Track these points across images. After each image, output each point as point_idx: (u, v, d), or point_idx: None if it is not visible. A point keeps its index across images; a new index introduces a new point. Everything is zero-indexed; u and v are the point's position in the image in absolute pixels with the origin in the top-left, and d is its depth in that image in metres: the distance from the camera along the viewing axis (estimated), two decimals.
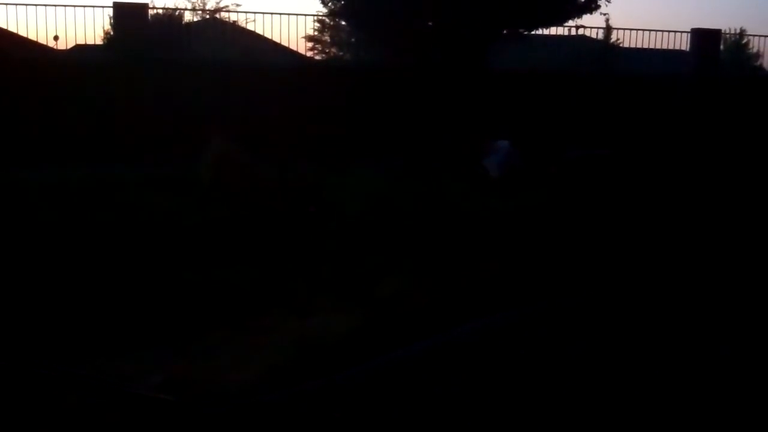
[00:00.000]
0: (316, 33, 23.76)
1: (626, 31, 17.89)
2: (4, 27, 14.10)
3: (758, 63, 23.07)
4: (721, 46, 20.03)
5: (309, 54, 20.24)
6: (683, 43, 17.55)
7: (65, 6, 14.02)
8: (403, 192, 9.38)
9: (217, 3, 21.21)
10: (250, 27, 17.28)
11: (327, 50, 24.53)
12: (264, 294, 5.43)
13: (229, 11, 20.55)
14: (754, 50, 24.02)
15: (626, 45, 18.14)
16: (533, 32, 16.25)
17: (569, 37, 17.69)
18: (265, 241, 6.80)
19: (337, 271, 6.02)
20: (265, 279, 5.77)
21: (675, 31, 17.68)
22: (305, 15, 18.78)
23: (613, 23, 20.08)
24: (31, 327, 4.60)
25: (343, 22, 19.58)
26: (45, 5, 13.91)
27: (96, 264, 5.93)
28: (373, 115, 13.56)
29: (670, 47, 17.55)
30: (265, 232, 7.11)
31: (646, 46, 17.41)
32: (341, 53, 23.96)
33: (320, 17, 20.03)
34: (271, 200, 8.20)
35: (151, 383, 3.92)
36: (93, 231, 6.97)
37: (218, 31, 17.09)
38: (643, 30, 17.48)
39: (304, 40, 19.37)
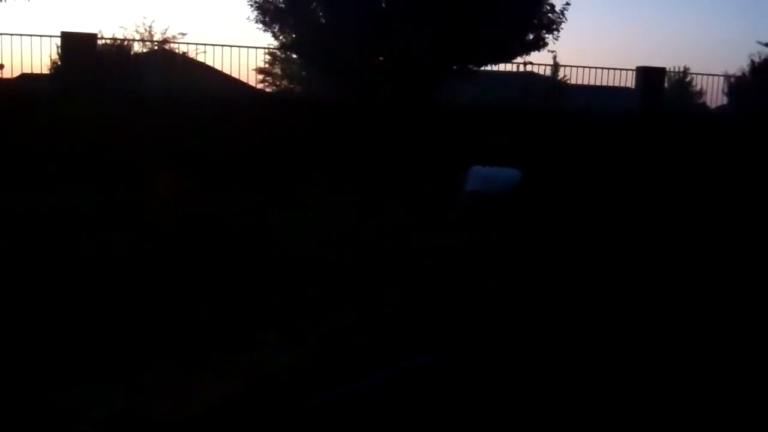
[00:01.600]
0: (267, 65, 23.96)
1: (573, 68, 18.35)
2: None
3: (701, 101, 23.81)
4: (666, 84, 20.63)
5: (260, 86, 20.34)
6: (629, 81, 18.04)
7: (11, 35, 13.96)
8: (353, 226, 9.44)
9: (164, 34, 21.24)
10: (200, 58, 17.33)
11: (278, 83, 24.73)
12: (208, 329, 5.41)
13: (176, 42, 20.59)
14: (698, 88, 24.85)
15: (574, 81, 18.60)
16: (482, 68, 16.51)
17: (518, 73, 18.05)
18: (213, 277, 6.79)
19: (285, 307, 6.04)
20: (210, 315, 5.76)
21: (621, 69, 18.21)
22: (256, 48, 18.91)
23: (560, 60, 20.65)
24: None
25: (294, 56, 19.71)
26: None
27: (36, 298, 5.86)
28: (323, 149, 13.65)
29: (617, 84, 18.03)
30: (212, 266, 7.10)
31: (593, 82, 17.85)
32: (292, 86, 24.15)
33: (271, 50, 20.16)
34: (218, 234, 8.19)
35: (94, 418, 3.91)
36: (33, 262, 6.91)
37: (167, 61, 17.11)
38: (590, 67, 17.94)
39: (255, 72, 19.51)
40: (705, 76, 21.12)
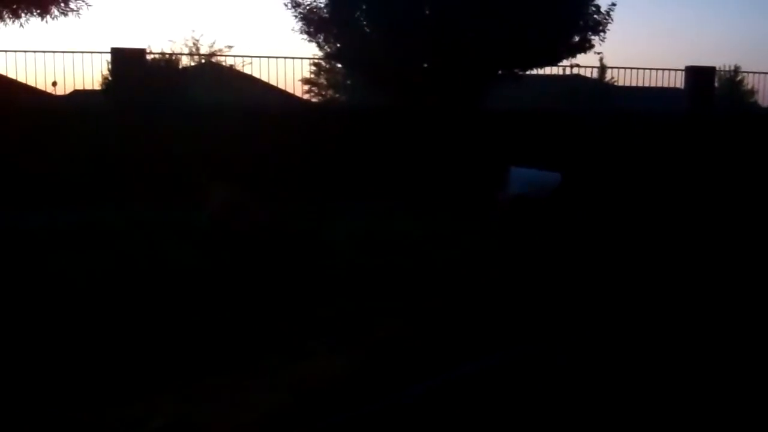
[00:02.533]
0: (312, 76, 24.14)
1: (620, 69, 18.16)
2: (4, 74, 14.30)
3: (753, 100, 23.37)
4: (716, 84, 20.29)
5: (305, 96, 20.47)
6: (678, 81, 17.80)
7: (63, 52, 14.27)
8: (402, 232, 9.48)
9: (211, 47, 21.56)
10: (247, 70, 17.54)
11: (323, 93, 24.89)
12: (263, 338, 5.50)
13: (223, 55, 20.88)
14: (749, 87, 24.35)
15: (621, 83, 18.43)
16: (528, 72, 16.44)
17: (564, 76, 17.93)
18: (265, 285, 6.89)
19: (335, 314, 6.10)
20: (264, 323, 5.85)
21: (669, 69, 17.96)
22: (301, 58, 19.07)
23: (607, 62, 20.44)
24: (34, 373, 4.68)
25: (339, 65, 19.83)
26: (44, 52, 14.17)
27: (97, 310, 6.01)
28: (369, 157, 13.73)
29: (665, 85, 17.80)
30: (265, 275, 7.20)
31: (640, 84, 17.65)
32: (337, 95, 24.29)
33: (316, 60, 20.31)
34: (271, 244, 8.29)
35: (151, 428, 4.01)
36: (92, 276, 7.06)
37: (215, 74, 17.35)
38: (638, 68, 17.74)
39: (300, 82, 19.71)
40: (757, 75, 20.71)
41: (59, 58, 14.22)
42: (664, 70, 18.01)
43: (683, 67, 17.80)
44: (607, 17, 15.54)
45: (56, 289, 6.54)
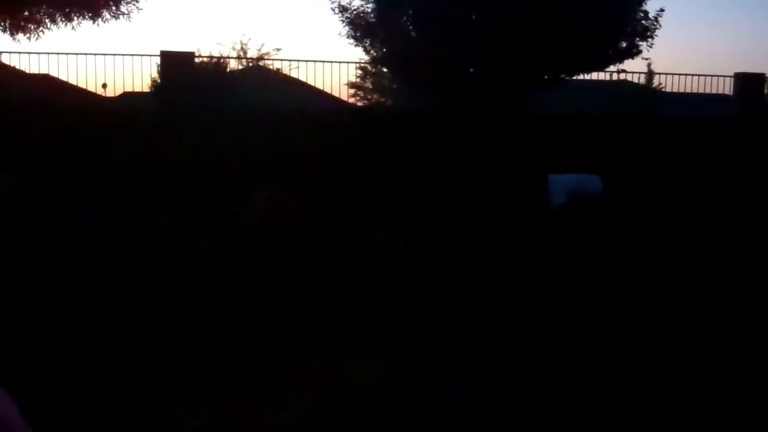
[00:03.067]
0: (358, 80, 24.23)
1: (668, 75, 17.94)
2: (56, 75, 14.56)
3: None
4: (766, 90, 19.94)
5: (351, 100, 20.51)
6: (727, 88, 17.54)
7: (114, 55, 14.50)
8: (445, 236, 9.47)
9: (259, 50, 21.72)
10: (293, 74, 17.63)
11: (369, 97, 24.95)
12: (305, 339, 5.53)
13: (271, 59, 21.03)
14: None
15: (669, 89, 18.20)
16: (575, 77, 16.32)
17: (611, 81, 17.77)
18: (308, 286, 6.93)
19: (378, 317, 6.12)
20: (306, 324, 5.88)
21: (718, 76, 17.69)
22: (348, 62, 19.14)
23: (654, 68, 20.21)
24: (75, 368, 4.76)
25: (385, 69, 19.86)
26: (95, 54, 14.39)
27: (142, 308, 6.09)
28: (415, 161, 13.72)
29: (714, 91, 17.54)
30: (308, 277, 7.25)
31: (688, 90, 17.41)
32: (383, 99, 24.33)
33: (362, 64, 20.36)
34: (315, 245, 8.34)
35: (193, 426, 4.05)
36: (137, 274, 7.17)
37: (262, 78, 17.46)
38: (686, 74, 17.52)
39: (346, 86, 19.75)
40: None
41: (110, 61, 14.45)
42: (712, 76, 17.75)
43: (732, 74, 17.54)
44: (655, 23, 15.39)
45: (108, 287, 6.67)
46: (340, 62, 16.21)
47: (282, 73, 17.91)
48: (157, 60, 14.56)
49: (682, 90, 17.47)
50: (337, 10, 15.35)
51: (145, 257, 7.99)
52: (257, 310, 6.19)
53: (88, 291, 6.52)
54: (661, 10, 15.38)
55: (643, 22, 15.37)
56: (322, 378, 4.78)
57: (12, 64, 14.18)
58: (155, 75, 15.26)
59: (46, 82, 14.69)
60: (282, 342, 5.41)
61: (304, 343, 5.42)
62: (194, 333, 5.53)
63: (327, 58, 23.79)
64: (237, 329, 5.67)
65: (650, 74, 20.00)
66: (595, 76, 16.72)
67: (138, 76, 15.52)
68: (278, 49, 22.06)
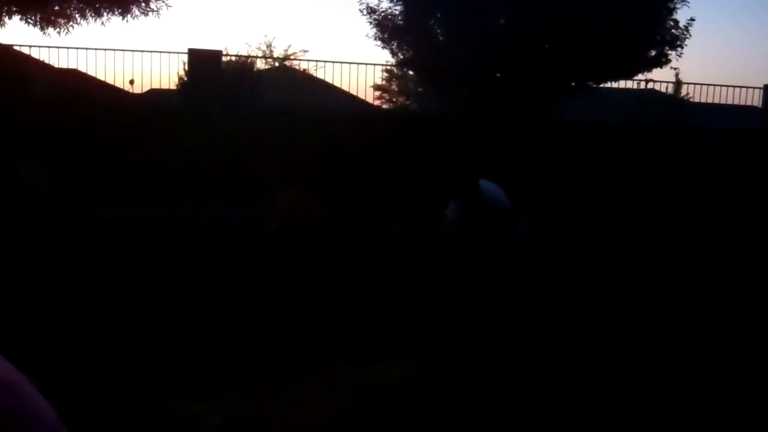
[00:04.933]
0: (384, 82, 24.24)
1: (696, 85, 17.79)
2: (84, 70, 14.63)
3: None
4: None
5: (376, 103, 20.51)
6: (756, 99, 17.39)
7: (142, 51, 14.56)
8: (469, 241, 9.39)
9: (285, 51, 21.78)
10: (319, 75, 17.66)
11: (394, 99, 24.97)
12: (325, 341, 5.51)
13: (297, 59, 21.08)
14: None
15: (696, 100, 18.05)
16: (601, 85, 16.23)
17: (638, 90, 17.66)
18: (328, 288, 6.91)
19: (398, 320, 6.08)
20: (326, 326, 5.86)
21: (747, 87, 17.54)
22: (374, 64, 19.14)
23: (683, 77, 20.06)
24: (93, 362, 4.76)
25: (411, 72, 19.86)
26: (123, 50, 14.48)
27: (161, 305, 6.09)
28: (439, 165, 13.65)
29: (742, 103, 17.39)
30: (329, 279, 7.23)
31: (716, 101, 17.27)
32: (408, 102, 24.33)
33: (388, 67, 20.37)
34: (336, 246, 8.33)
35: (213, 423, 4.03)
36: (157, 271, 7.18)
37: (288, 78, 17.50)
38: (714, 85, 17.39)
39: (371, 88, 19.78)
40: None
41: (137, 57, 14.57)
42: (741, 87, 17.61)
43: (761, 86, 17.39)
44: (685, 32, 15.26)
45: (133, 283, 6.68)
46: (366, 64, 16.34)
47: (308, 74, 17.95)
48: (185, 58, 14.62)
49: (709, 101, 17.34)
50: (365, 12, 15.36)
51: (169, 255, 8.00)
52: (277, 310, 6.17)
53: (115, 288, 6.53)
54: (692, 19, 15.27)
55: (673, 31, 15.26)
56: (342, 380, 4.75)
57: (41, 58, 14.27)
58: (182, 73, 15.35)
59: (74, 76, 14.76)
60: (304, 342, 5.39)
61: (326, 344, 5.39)
62: (206, 331, 5.52)
63: (353, 59, 23.79)
64: (257, 328, 5.65)
65: (678, 84, 19.86)
66: (622, 84, 16.65)
67: (165, 73, 15.68)
68: (305, 51, 22.12)
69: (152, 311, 5.90)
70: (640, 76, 16.23)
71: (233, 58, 16.13)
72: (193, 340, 5.27)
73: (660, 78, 23.71)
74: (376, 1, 15.29)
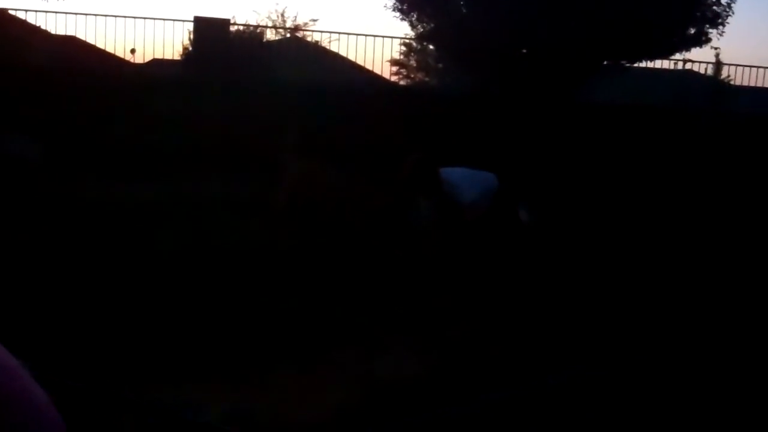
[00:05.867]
0: (401, 57, 24.15)
1: (738, 67, 17.66)
2: (82, 38, 14.64)
3: None
4: None
5: (393, 78, 20.42)
6: None
7: (144, 18, 14.53)
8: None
9: (294, 20, 21.72)
10: (333, 47, 17.61)
11: (412, 75, 24.88)
12: (334, 329, 5.52)
13: (309, 30, 21.02)
14: None
15: (737, 82, 17.92)
16: (636, 65, 16.11)
17: (675, 71, 17.53)
18: (339, 272, 6.91)
19: (411, 309, 6.09)
20: (335, 312, 5.87)
21: None
22: (391, 37, 19.06)
23: (723, 58, 19.87)
24: (91, 348, 4.79)
25: (431, 47, 19.77)
26: (124, 17, 14.46)
27: (161, 290, 6.10)
28: (456, 145, 13.59)
29: None
30: (339, 261, 7.22)
31: (759, 84, 17.14)
32: (427, 79, 24.24)
33: (407, 40, 20.28)
34: (348, 225, 8.29)
35: (215, 414, 4.05)
36: (155, 252, 7.19)
37: (299, 50, 17.46)
38: (757, 67, 17.25)
39: (388, 63, 19.69)
40: None
41: (139, 25, 14.50)
42: None
43: None
44: (727, 10, 15.13)
45: (117, 267, 6.70)
46: (383, 37, 16.16)
47: (321, 46, 17.92)
48: (190, 26, 14.62)
49: (752, 84, 17.21)
50: None
51: (167, 234, 8.00)
52: (285, 295, 6.18)
53: (115, 270, 6.55)
54: None
55: (714, 7, 15.12)
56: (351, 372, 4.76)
57: (37, 24, 14.29)
58: (187, 42, 15.35)
59: (71, 44, 14.79)
60: (313, 330, 5.40)
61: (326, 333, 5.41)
62: (208, 318, 5.54)
63: (369, 31, 23.75)
64: (264, 315, 5.67)
65: (718, 65, 19.67)
66: (658, 64, 16.54)
67: (169, 42, 15.59)
68: (315, 20, 21.97)
69: (148, 296, 5.92)
70: (677, 56, 16.13)
71: (241, 28, 16.10)
72: (195, 327, 5.29)
73: (699, 58, 23.44)
74: None
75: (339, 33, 16.07)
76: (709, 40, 15.37)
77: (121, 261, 6.81)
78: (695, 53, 15.91)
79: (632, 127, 14.16)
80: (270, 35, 17.86)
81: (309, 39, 19.97)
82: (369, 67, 16.73)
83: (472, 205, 7.11)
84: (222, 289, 6.24)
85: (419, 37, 17.21)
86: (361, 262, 7.28)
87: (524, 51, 15.25)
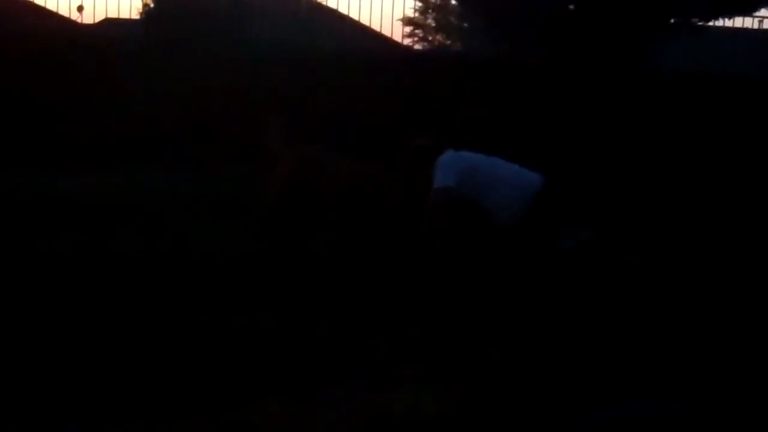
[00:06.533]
0: (416, 15, 24.16)
1: None
2: None
3: None
4: None
5: (406, 41, 20.45)
6: None
7: None
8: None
9: None
10: (331, 4, 17.56)
11: (429, 37, 24.90)
12: (335, 354, 5.47)
13: None
14: None
15: None
16: (711, 23, 16.04)
17: (759, 30, 17.47)
18: (341, 284, 6.87)
19: (427, 330, 6.05)
20: (336, 334, 5.83)
21: None
22: None
23: None
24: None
25: (453, 1, 19.80)
26: None
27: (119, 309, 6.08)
28: (487, 122, 13.50)
29: None
30: (341, 269, 7.19)
31: None
32: (449, 42, 24.26)
33: None
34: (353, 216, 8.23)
35: None
36: (115, 259, 7.17)
37: (288, 7, 17.42)
38: None
39: (400, 23, 19.70)
40: None
41: None
42: None
43: None
44: None
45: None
46: None
47: (314, 2, 17.88)
48: None
49: None
50: None
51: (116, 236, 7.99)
52: (275, 312, 6.15)
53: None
54: None
55: None
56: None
57: None
58: None
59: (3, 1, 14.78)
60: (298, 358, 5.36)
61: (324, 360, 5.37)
62: (184, 343, 5.51)
63: None
64: (252, 338, 5.64)
65: None
66: (739, 23, 16.46)
67: None
68: None
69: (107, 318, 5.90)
70: (763, 12, 16.08)
71: None
72: (168, 355, 5.26)
73: None
74: None
75: None
76: None
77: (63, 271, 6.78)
78: None
79: (709, 101, 14.04)
80: None
81: None
82: (376, 27, 16.71)
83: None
84: (191, 306, 6.21)
85: None
86: (369, 273, 7.22)
87: (571, 7, 15.21)
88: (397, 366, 5.40)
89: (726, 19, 16.16)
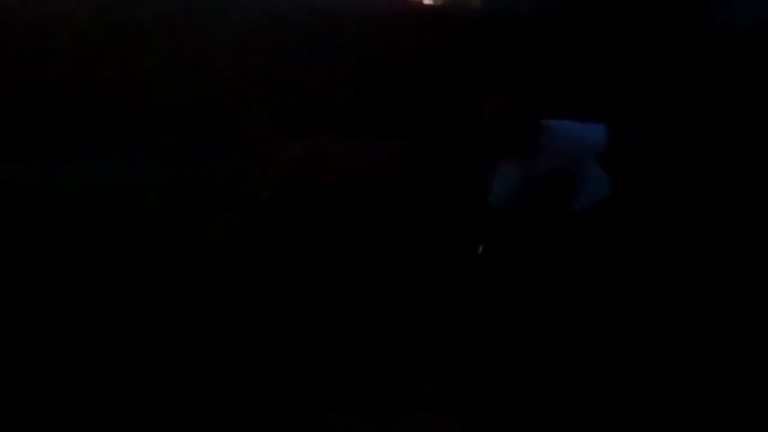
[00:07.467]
0: None
1: None
2: None
3: None
4: None
5: None
6: None
7: None
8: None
9: None
10: None
11: None
12: (339, 376, 5.47)
13: None
14: None
15: None
16: None
17: None
18: (347, 293, 6.88)
19: (445, 346, 6.04)
20: (342, 352, 5.82)
21: None
22: None
23: None
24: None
25: None
26: None
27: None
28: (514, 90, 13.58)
29: None
30: (346, 276, 7.20)
31: None
32: None
33: None
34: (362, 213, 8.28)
35: None
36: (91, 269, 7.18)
37: None
38: None
39: None
40: None
41: None
42: None
43: None
44: None
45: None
46: None
47: None
48: None
49: None
50: None
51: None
52: (266, 327, 6.16)
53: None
54: None
55: None
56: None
57: None
58: None
59: None
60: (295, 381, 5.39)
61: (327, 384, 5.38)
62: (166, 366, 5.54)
63: None
64: (245, 359, 5.64)
65: None
66: None
67: None
68: None
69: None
70: None
71: None
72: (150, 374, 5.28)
73: None
74: None
75: None
76: None
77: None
78: None
79: None
80: None
81: None
82: None
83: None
84: (180, 323, 6.21)
85: None
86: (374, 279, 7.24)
87: None
88: (405, 387, 5.40)
89: None
